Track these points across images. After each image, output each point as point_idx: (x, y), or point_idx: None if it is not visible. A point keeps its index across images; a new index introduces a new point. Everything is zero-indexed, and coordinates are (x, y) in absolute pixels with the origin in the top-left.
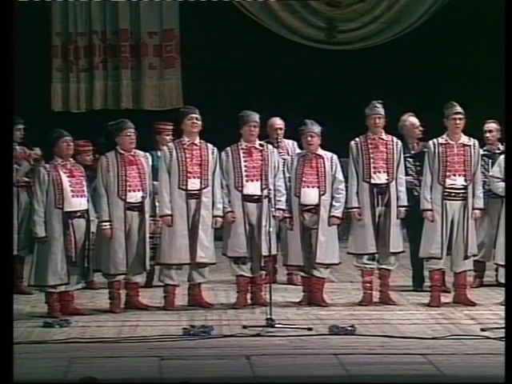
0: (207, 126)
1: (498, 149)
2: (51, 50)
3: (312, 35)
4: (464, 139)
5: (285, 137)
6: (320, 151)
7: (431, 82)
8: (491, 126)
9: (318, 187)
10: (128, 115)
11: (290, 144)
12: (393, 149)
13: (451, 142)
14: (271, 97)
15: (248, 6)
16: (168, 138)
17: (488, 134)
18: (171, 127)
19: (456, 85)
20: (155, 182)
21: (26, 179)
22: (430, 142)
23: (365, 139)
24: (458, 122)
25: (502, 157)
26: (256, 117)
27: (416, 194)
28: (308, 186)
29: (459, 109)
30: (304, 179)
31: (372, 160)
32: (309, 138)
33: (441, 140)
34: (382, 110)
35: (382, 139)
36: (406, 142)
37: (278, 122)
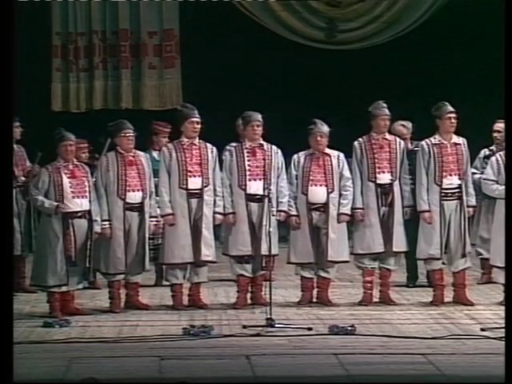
0: (207, 125)
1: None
2: (51, 49)
3: (312, 35)
4: (455, 139)
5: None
6: (327, 150)
7: (431, 81)
8: (500, 125)
9: (326, 185)
10: (128, 115)
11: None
12: (396, 148)
13: (444, 142)
14: (271, 97)
15: (248, 5)
16: (164, 140)
17: (496, 134)
18: (169, 130)
19: (456, 84)
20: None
21: (23, 179)
22: (423, 143)
23: (368, 139)
24: (452, 120)
25: (494, 158)
26: (258, 116)
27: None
28: (316, 185)
29: (451, 108)
30: (311, 177)
31: (376, 160)
32: (318, 138)
33: (434, 140)
34: (388, 111)
35: (386, 139)
36: None
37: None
